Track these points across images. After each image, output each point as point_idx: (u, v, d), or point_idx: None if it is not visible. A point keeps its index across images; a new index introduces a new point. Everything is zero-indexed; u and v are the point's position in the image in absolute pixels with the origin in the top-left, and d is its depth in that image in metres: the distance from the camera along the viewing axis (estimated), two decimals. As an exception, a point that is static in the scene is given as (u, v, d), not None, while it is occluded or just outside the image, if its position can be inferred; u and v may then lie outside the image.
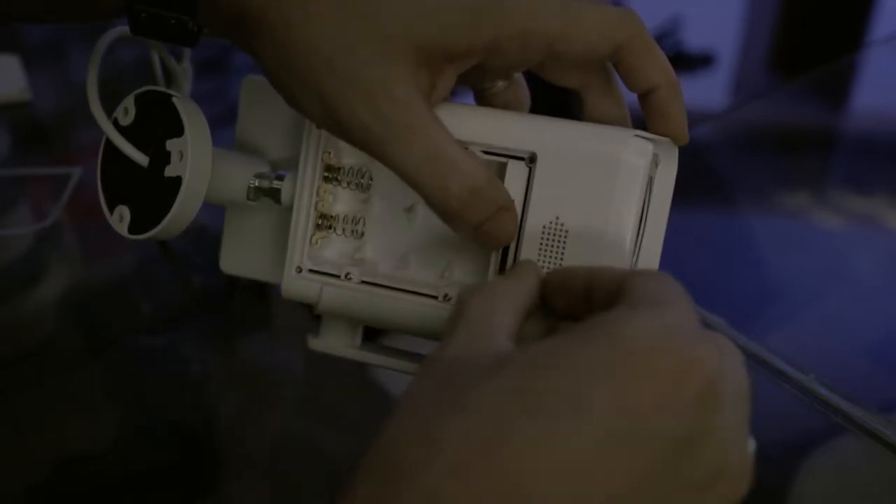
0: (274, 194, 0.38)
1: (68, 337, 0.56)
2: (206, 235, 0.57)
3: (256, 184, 0.38)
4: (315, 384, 0.50)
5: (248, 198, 0.38)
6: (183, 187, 0.34)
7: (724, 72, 1.68)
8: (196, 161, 0.35)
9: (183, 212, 0.35)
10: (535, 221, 0.33)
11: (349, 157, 0.36)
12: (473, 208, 0.31)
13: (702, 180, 0.73)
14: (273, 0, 0.30)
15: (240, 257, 0.42)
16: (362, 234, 0.37)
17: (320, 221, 0.37)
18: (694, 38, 1.64)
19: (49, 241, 0.63)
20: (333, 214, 0.37)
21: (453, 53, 0.31)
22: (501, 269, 0.34)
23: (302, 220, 0.37)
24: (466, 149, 0.32)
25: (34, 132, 0.78)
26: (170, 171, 0.35)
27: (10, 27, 0.77)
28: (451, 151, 0.31)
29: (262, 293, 0.55)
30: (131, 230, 0.36)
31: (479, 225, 0.32)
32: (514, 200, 0.33)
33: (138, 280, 0.60)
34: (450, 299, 0.35)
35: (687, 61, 1.60)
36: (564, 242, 0.33)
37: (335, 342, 0.39)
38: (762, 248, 0.69)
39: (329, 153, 0.36)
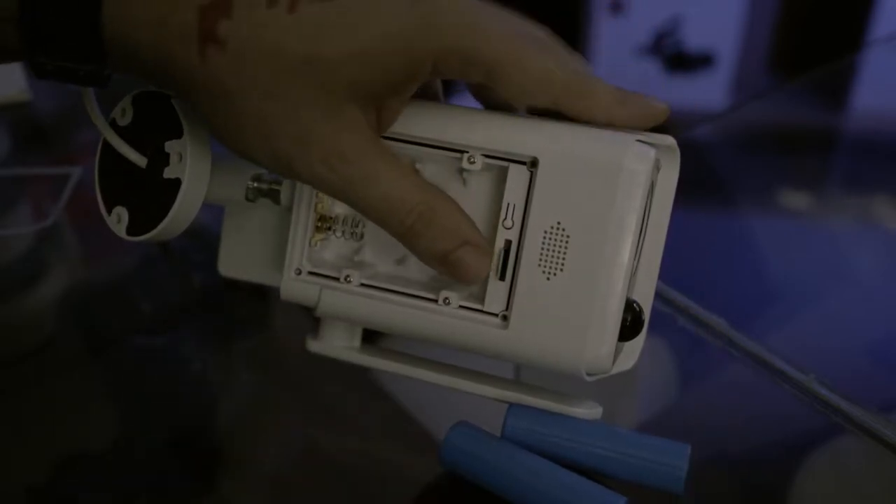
0: (273, 195, 0.38)
1: (68, 337, 0.56)
2: (206, 235, 0.57)
3: (255, 185, 0.38)
4: (315, 384, 0.50)
5: (246, 198, 0.38)
6: (182, 189, 0.34)
7: (724, 72, 1.67)
8: (195, 163, 0.34)
9: (182, 213, 0.35)
10: (537, 226, 0.33)
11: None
12: (427, 236, 0.32)
13: (702, 180, 0.73)
14: (197, 57, 0.29)
15: (238, 260, 0.42)
16: (361, 236, 0.37)
17: (319, 223, 0.37)
18: (694, 38, 1.64)
19: (49, 241, 0.62)
20: (332, 216, 0.37)
21: (395, 86, 0.31)
22: (502, 274, 0.34)
23: (301, 222, 0.37)
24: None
25: (34, 132, 0.78)
26: (169, 173, 0.35)
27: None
28: (398, 190, 0.31)
29: (261, 293, 0.55)
30: (129, 231, 0.36)
31: (443, 258, 0.32)
32: (486, 241, 0.33)
33: (138, 280, 0.60)
34: (449, 303, 0.35)
35: (687, 61, 1.60)
36: (566, 247, 0.33)
37: (334, 345, 0.39)
38: (762, 248, 0.69)
39: (328, 154, 0.36)
